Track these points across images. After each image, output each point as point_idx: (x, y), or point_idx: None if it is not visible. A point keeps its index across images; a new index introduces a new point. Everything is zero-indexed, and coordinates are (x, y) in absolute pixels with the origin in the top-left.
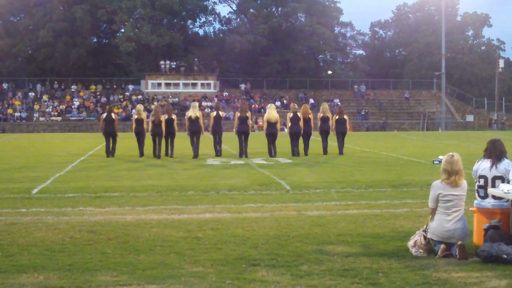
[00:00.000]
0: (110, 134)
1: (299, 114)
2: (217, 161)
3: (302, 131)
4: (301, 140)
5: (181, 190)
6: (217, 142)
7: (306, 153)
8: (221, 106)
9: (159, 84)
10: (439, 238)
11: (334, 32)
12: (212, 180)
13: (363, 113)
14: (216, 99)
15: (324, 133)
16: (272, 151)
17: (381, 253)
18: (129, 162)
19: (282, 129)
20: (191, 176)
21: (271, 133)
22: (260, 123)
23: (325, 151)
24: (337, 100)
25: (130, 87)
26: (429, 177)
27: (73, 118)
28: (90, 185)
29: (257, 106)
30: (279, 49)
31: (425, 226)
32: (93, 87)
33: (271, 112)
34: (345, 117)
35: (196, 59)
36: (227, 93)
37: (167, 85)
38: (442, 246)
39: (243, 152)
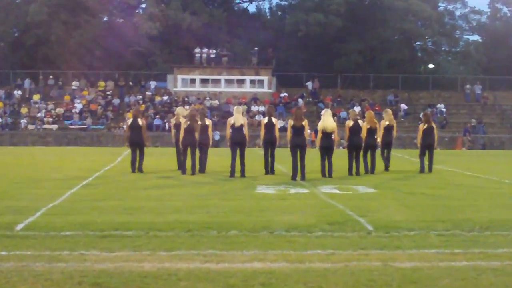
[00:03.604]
0: (137, 144)
1: (361, 122)
2: (271, 188)
3: (363, 144)
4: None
5: (220, 228)
6: (270, 157)
7: (372, 171)
8: (275, 111)
9: (193, 81)
10: None
11: (438, 9)
12: (263, 215)
13: (476, 123)
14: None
15: (387, 146)
16: (326, 170)
17: None
18: (150, 187)
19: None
20: (234, 208)
21: (326, 146)
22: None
23: (386, 167)
24: (441, 106)
25: (152, 84)
26: None
27: (73, 127)
28: (96, 219)
29: None
30: (359, 34)
31: None
32: (101, 84)
33: (327, 119)
34: (434, 125)
35: (256, 48)
36: (286, 94)
37: (204, 82)
38: None
39: (297, 173)
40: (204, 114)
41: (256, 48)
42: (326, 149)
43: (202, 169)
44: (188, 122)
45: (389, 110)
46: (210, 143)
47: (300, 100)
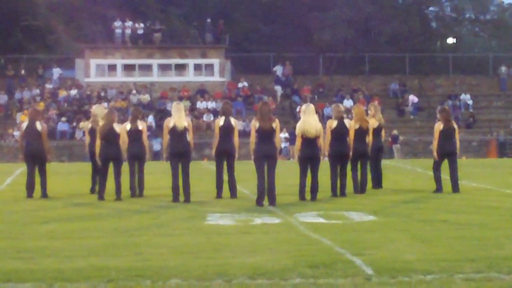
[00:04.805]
0: (35, 157)
1: (347, 122)
2: (227, 218)
3: (351, 152)
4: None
5: (155, 276)
6: (227, 174)
7: (363, 189)
8: (232, 108)
9: (112, 67)
10: None
11: None
12: (217, 256)
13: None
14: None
15: (377, 155)
16: (304, 191)
17: None
18: (55, 220)
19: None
20: (175, 248)
21: (309, 156)
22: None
23: (375, 184)
24: (466, 96)
25: (55, 72)
26: None
27: None
28: None
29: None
30: None
31: None
32: None
33: (309, 119)
34: (455, 126)
35: (209, 20)
36: (246, 84)
37: (128, 68)
38: None
39: (263, 196)
40: (136, 115)
41: (208, 20)
42: (310, 161)
43: (140, 192)
44: (102, 130)
45: (376, 103)
46: (147, 155)
47: (277, 88)
